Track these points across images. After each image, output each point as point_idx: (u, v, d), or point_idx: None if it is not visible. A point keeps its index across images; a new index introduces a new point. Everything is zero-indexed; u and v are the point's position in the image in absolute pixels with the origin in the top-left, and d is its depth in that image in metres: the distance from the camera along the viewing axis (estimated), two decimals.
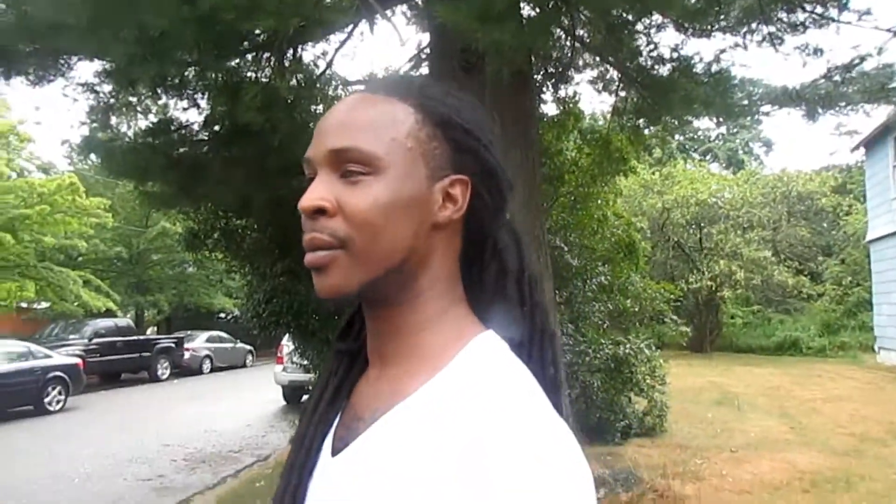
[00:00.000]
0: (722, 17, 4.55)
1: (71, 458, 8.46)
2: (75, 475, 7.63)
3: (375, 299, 0.71)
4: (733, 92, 5.17)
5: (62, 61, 5.16)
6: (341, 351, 0.80)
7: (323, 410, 0.77)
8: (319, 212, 0.67)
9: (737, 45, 5.00)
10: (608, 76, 8.51)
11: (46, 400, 12.12)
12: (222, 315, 28.05)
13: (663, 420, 8.54)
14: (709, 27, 4.70)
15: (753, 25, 4.91)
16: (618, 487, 5.16)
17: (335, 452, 0.70)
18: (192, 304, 24.60)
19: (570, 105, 9.05)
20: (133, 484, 7.29)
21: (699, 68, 5.31)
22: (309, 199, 0.67)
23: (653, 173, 21.61)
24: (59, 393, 12.43)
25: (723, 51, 4.96)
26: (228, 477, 7.65)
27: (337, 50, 6.17)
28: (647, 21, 5.04)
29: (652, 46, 5.16)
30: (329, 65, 6.23)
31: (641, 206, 20.84)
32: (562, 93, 8.81)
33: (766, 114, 5.91)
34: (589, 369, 7.82)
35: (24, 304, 17.60)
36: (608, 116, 10.76)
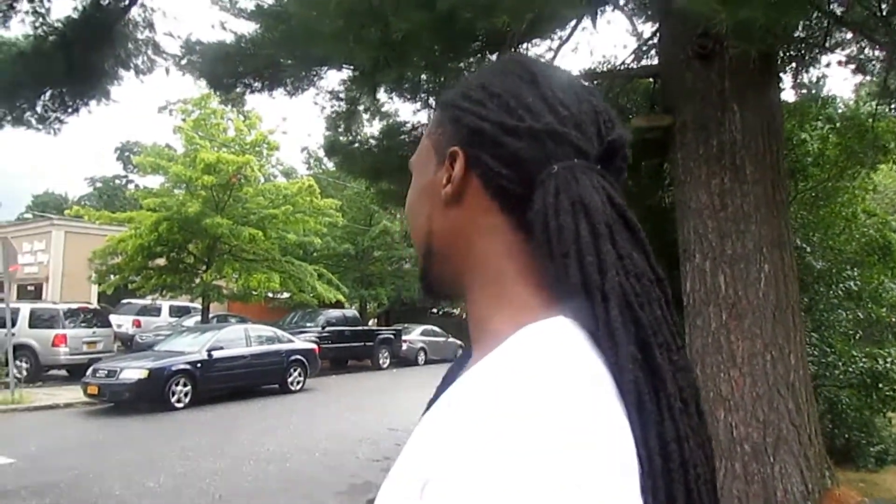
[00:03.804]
0: None
1: (311, 434, 9.39)
2: (315, 449, 8.45)
3: (452, 292, 0.73)
4: None
5: (314, 72, 5.69)
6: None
7: (431, 399, 0.74)
8: None
9: None
10: (864, 55, 7.54)
11: (289, 380, 13.65)
12: (434, 310, 29.50)
13: None
14: None
15: None
16: None
17: None
18: (408, 299, 26.16)
19: (815, 90, 8.17)
20: (364, 463, 7.89)
21: None
22: None
23: None
24: (299, 374, 13.92)
25: None
26: None
27: (561, 46, 6.14)
28: None
29: None
30: (553, 60, 6.22)
31: (894, 204, 18.21)
32: (803, 77, 7.99)
33: None
34: (837, 384, 7.00)
35: (269, 294, 19.91)
36: (858, 101, 9.55)
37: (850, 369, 6.88)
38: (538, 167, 0.63)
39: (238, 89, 6.03)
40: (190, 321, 19.05)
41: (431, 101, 5.75)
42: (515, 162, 0.64)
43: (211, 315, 18.91)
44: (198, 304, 19.14)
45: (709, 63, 5.09)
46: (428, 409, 0.70)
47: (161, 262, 17.69)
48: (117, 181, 41.42)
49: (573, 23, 5.97)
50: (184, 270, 17.96)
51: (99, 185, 42.25)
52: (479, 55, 5.71)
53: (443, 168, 0.69)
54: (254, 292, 17.89)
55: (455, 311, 30.02)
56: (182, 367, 11.46)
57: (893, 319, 8.98)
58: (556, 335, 0.57)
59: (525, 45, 5.66)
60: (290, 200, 17.91)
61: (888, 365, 6.84)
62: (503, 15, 3.76)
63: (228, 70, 5.62)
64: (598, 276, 0.58)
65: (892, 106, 6.90)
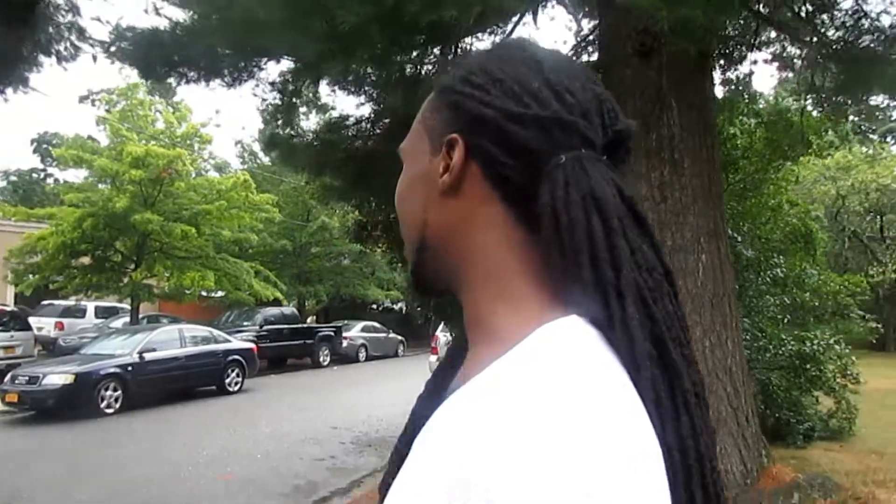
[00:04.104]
0: None
1: (251, 436, 9.17)
2: (256, 451, 8.26)
3: (446, 288, 0.68)
4: None
5: (254, 62, 5.52)
6: (457, 337, 0.75)
7: (421, 395, 0.73)
8: None
9: None
10: (787, 53, 7.89)
11: (227, 381, 13.27)
12: (374, 306, 29.32)
13: (851, 423, 7.88)
14: None
15: None
16: (814, 493, 4.77)
17: None
18: (347, 295, 25.86)
19: (741, 86, 8.50)
20: (308, 463, 7.75)
21: None
22: None
23: (825, 158, 19.83)
24: (237, 375, 13.57)
25: None
26: None
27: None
28: None
29: (859, 15, 4.66)
30: None
31: (811, 194, 19.24)
32: (731, 74, 8.29)
33: None
34: (768, 366, 7.36)
35: (204, 293, 19.30)
36: (777, 96, 10.01)
37: (780, 352, 7.25)
38: (544, 157, 0.60)
39: (172, 79, 5.79)
40: (118, 322, 18.27)
41: (375, 94, 5.67)
42: (520, 151, 0.61)
43: (141, 315, 18.17)
44: (126, 305, 18.35)
45: (648, 60, 5.21)
46: (421, 408, 0.67)
47: (86, 260, 16.82)
48: (34, 175, 39.22)
49: (515, 18, 6.00)
50: (111, 269, 17.13)
51: (13, 178, 39.88)
52: (423, 48, 5.68)
53: (438, 156, 0.65)
54: (187, 291, 17.29)
55: (395, 306, 29.90)
56: (112, 370, 10.95)
57: (816, 303, 9.50)
58: (578, 340, 0.55)
59: (469, 40, 5.66)
60: (224, 196, 17.34)
61: (814, 346, 7.24)
62: (451, 9, 3.74)
63: (162, 59, 5.37)
64: (613, 272, 0.56)
65: (813, 99, 7.24)
